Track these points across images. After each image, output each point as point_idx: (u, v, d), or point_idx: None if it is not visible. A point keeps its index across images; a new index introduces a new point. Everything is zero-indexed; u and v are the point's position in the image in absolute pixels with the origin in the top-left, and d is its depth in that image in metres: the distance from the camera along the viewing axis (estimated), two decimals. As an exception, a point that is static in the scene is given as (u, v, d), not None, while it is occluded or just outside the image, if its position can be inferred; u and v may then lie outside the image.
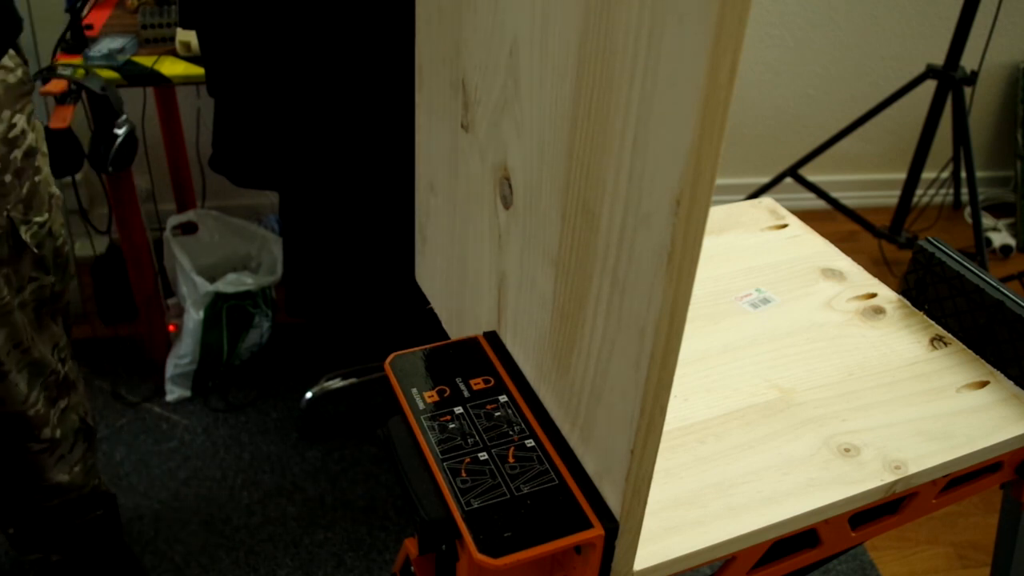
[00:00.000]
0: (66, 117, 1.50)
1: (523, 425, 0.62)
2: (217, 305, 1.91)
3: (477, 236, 0.70)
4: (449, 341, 0.71)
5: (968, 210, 2.57)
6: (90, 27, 1.73)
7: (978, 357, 0.84)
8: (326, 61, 1.33)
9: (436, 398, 0.64)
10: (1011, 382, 0.81)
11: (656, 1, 0.42)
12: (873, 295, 0.92)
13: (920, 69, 2.22)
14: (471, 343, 0.70)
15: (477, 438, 0.61)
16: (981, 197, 2.39)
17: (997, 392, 0.80)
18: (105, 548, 1.49)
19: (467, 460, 0.59)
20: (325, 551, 1.63)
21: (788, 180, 2.43)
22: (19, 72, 1.10)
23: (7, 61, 1.07)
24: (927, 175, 2.39)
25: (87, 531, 1.43)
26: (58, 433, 1.29)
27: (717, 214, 1.03)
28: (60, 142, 1.49)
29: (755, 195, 2.48)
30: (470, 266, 0.73)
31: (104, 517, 1.44)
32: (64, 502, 1.36)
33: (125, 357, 2.05)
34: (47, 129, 1.48)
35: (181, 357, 1.92)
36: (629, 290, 0.49)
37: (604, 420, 0.55)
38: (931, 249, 0.89)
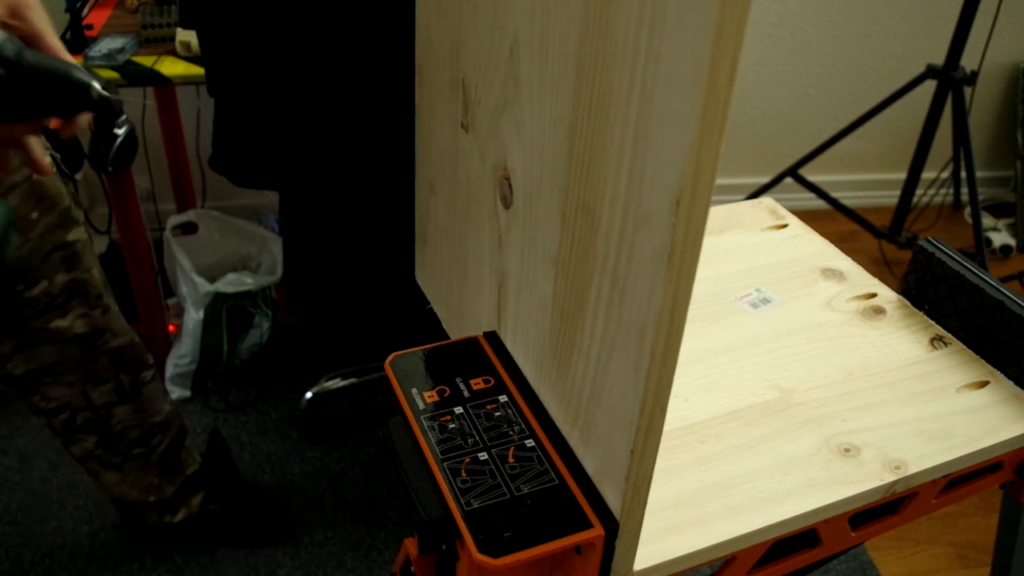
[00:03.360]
0: (66, 117, 1.50)
1: (523, 425, 0.62)
2: (217, 305, 1.91)
3: (477, 236, 0.70)
4: (449, 341, 0.71)
5: (968, 210, 2.57)
6: (90, 27, 1.73)
7: (978, 357, 0.84)
8: (326, 61, 1.33)
9: (436, 398, 0.64)
10: (1011, 382, 0.81)
11: (656, 1, 0.42)
12: (873, 295, 0.92)
13: (920, 69, 2.22)
14: (471, 343, 0.70)
15: (477, 438, 0.61)
16: (981, 197, 2.39)
17: (997, 392, 0.80)
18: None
19: (467, 460, 0.59)
20: (325, 551, 1.63)
21: (788, 180, 2.43)
22: None
23: None
24: (927, 175, 2.39)
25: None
26: (151, 360, 1.34)
27: (717, 214, 1.03)
28: (60, 142, 1.49)
29: (755, 195, 2.47)
30: (470, 266, 0.73)
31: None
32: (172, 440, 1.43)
33: (125, 357, 2.05)
34: (46, 130, 1.48)
35: (181, 357, 1.92)
36: (629, 290, 0.49)
37: (604, 420, 0.55)
38: (931, 249, 0.89)
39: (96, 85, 0.65)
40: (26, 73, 0.62)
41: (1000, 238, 2.60)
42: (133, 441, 1.37)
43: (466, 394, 0.65)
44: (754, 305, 0.89)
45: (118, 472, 1.40)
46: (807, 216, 1.06)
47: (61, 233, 1.15)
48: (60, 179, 1.16)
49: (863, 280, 0.94)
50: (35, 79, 0.62)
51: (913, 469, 0.71)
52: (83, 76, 0.65)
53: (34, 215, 1.12)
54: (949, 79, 2.16)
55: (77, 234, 1.18)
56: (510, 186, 0.62)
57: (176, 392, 1.95)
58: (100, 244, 2.10)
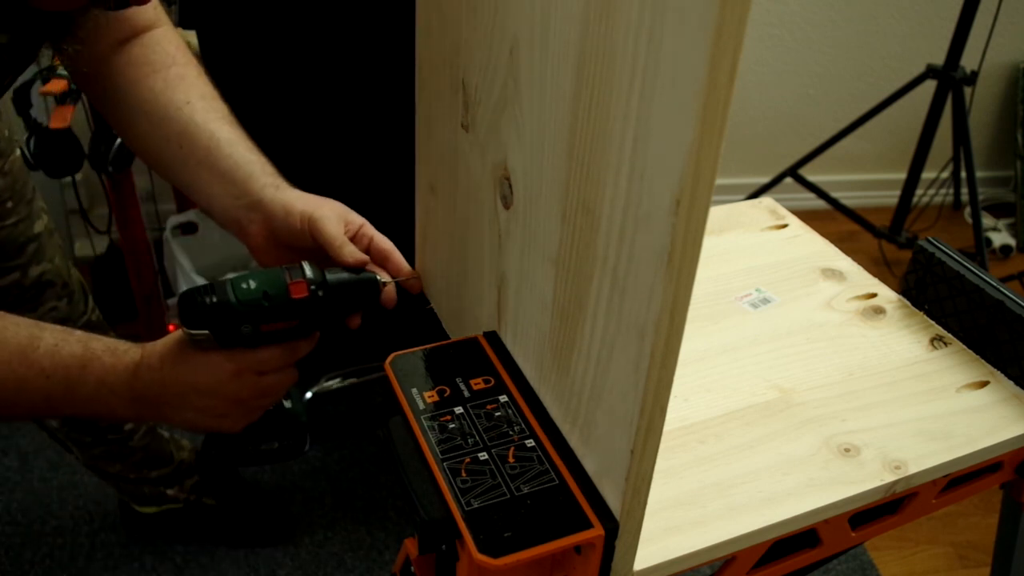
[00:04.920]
0: (66, 117, 1.50)
1: (523, 425, 0.62)
2: (217, 305, 1.91)
3: (477, 236, 0.70)
4: (449, 341, 0.71)
5: (968, 210, 2.57)
6: (90, 27, 1.72)
7: (978, 357, 0.84)
8: (326, 61, 1.33)
9: (436, 398, 0.64)
10: (1011, 382, 0.81)
11: (656, 1, 0.42)
12: (873, 295, 0.92)
13: (920, 69, 2.22)
14: (471, 343, 0.70)
15: (477, 438, 0.61)
16: (981, 197, 2.39)
17: (997, 392, 0.80)
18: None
19: (467, 460, 0.59)
20: (325, 551, 1.62)
21: (788, 180, 2.43)
22: None
23: None
24: (927, 175, 2.39)
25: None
26: None
27: (717, 214, 1.03)
28: (60, 142, 1.49)
29: (755, 195, 2.47)
30: (470, 266, 0.73)
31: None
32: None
33: (125, 357, 2.04)
34: (47, 129, 1.48)
35: (181, 357, 1.92)
36: (629, 290, 0.49)
37: (604, 420, 0.55)
38: (931, 249, 0.89)
39: (379, 278, 0.76)
40: (332, 289, 0.72)
41: (1000, 238, 2.59)
42: (104, 428, 1.37)
43: (466, 394, 0.65)
44: (754, 305, 0.89)
45: (90, 451, 1.41)
46: (807, 216, 1.06)
47: (30, 225, 1.17)
48: (27, 171, 1.18)
49: (863, 280, 0.94)
50: (340, 291, 0.73)
51: (913, 469, 0.71)
52: (368, 275, 0.76)
53: (9, 204, 1.13)
54: (949, 79, 2.16)
55: (42, 225, 1.20)
56: (510, 186, 0.62)
57: (176, 392, 1.94)
58: (100, 244, 2.10)
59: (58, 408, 0.72)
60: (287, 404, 0.82)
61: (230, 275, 0.71)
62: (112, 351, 0.72)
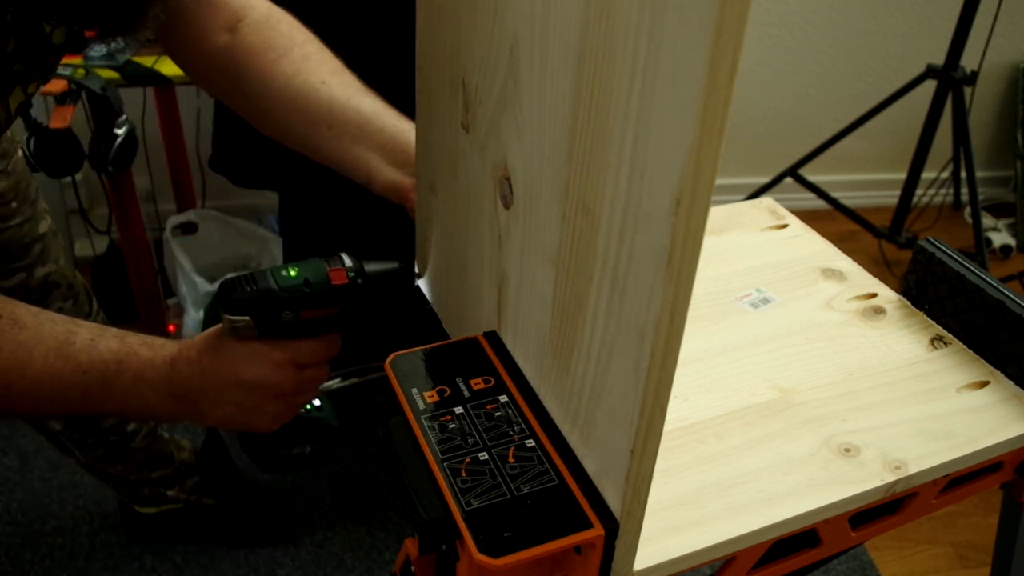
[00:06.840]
0: (66, 117, 1.50)
1: (523, 425, 0.62)
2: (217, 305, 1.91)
3: (477, 236, 0.70)
4: (449, 341, 0.71)
5: (968, 210, 2.57)
6: (90, 27, 1.72)
7: (978, 357, 0.84)
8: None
9: (436, 398, 0.64)
10: (1011, 382, 0.81)
11: (656, 1, 0.42)
12: (873, 295, 0.92)
13: (920, 69, 2.22)
14: (471, 343, 0.70)
15: (477, 438, 0.61)
16: (981, 197, 2.39)
17: (997, 392, 0.80)
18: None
19: (467, 460, 0.59)
20: (325, 551, 1.63)
21: (788, 180, 2.43)
22: None
23: None
24: (927, 175, 2.39)
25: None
26: None
27: (717, 214, 1.03)
28: (60, 142, 1.49)
29: (755, 195, 2.47)
30: (470, 266, 0.73)
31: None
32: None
33: (125, 357, 2.04)
34: (47, 129, 1.48)
35: (181, 357, 1.91)
36: (629, 290, 0.49)
37: (604, 420, 0.55)
38: (931, 249, 0.89)
39: (414, 269, 0.76)
40: (371, 277, 0.74)
41: (1000, 238, 2.60)
42: (107, 429, 1.37)
43: (466, 394, 0.65)
44: (754, 305, 0.89)
45: (92, 452, 1.40)
46: (807, 216, 1.06)
47: (35, 225, 1.18)
48: (30, 172, 1.20)
49: (863, 280, 0.94)
50: (378, 280, 0.74)
51: (913, 469, 0.71)
52: (404, 266, 0.77)
53: (13, 204, 1.13)
54: (949, 79, 2.16)
55: (46, 226, 1.20)
56: (510, 186, 0.62)
57: (176, 392, 1.94)
58: (100, 244, 2.10)
59: (94, 405, 0.71)
60: (317, 408, 0.82)
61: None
62: (149, 345, 0.72)
